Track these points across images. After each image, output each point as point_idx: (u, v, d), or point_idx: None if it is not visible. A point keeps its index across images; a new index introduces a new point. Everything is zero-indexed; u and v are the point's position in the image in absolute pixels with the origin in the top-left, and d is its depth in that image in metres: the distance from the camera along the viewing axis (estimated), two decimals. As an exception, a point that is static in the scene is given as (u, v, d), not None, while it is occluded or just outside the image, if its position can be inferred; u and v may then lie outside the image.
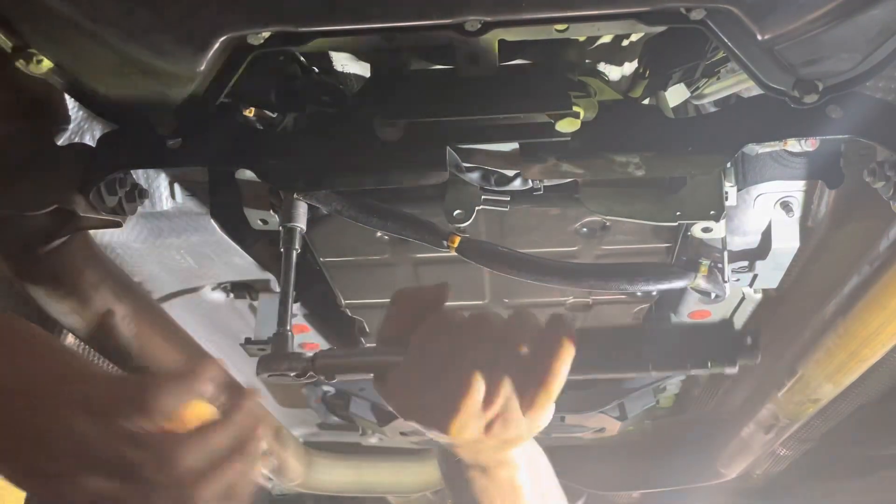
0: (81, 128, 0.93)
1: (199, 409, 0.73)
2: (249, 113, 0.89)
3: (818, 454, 1.78)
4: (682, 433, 2.02)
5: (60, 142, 0.90)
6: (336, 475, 2.34)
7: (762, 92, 0.78)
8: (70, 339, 1.36)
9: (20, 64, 0.75)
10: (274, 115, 0.90)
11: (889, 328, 1.11)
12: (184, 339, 1.44)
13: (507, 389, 0.77)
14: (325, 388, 1.91)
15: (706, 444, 1.93)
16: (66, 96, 0.88)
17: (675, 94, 0.96)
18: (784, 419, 1.56)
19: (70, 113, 0.90)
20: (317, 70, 0.96)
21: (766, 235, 1.14)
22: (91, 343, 1.32)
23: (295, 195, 1.03)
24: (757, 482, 2.01)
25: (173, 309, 1.48)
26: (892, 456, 1.72)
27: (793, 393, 1.45)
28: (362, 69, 0.95)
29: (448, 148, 0.90)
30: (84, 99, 0.81)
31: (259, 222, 1.09)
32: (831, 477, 1.89)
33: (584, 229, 1.15)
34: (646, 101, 0.97)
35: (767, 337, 1.52)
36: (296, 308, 1.51)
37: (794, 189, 1.10)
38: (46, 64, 0.76)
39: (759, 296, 1.42)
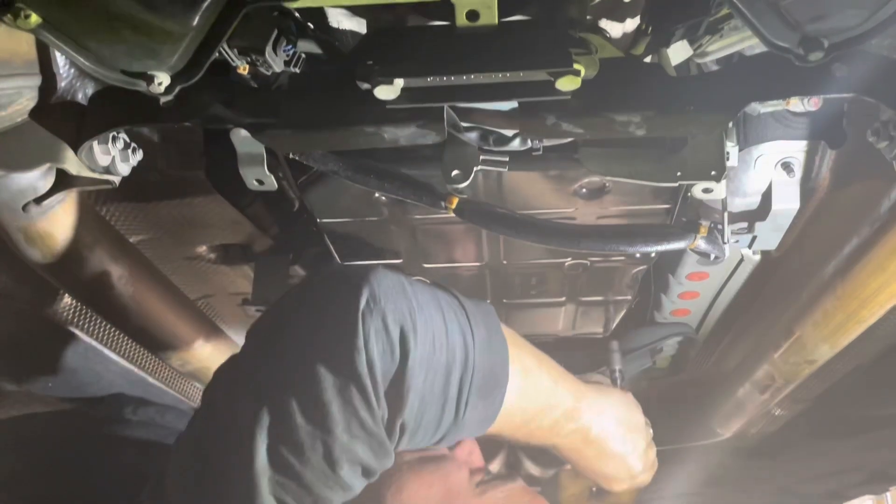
0: (73, 86, 0.91)
1: None
2: (243, 70, 0.87)
3: (813, 414, 1.79)
4: (678, 394, 2.03)
5: (51, 100, 0.88)
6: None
7: (765, 50, 0.76)
8: (67, 301, 1.36)
9: (7, 19, 0.73)
10: (269, 73, 0.89)
11: (888, 289, 1.11)
12: (181, 299, 1.45)
13: None
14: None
15: (702, 404, 1.94)
16: (57, 53, 0.86)
17: (678, 52, 0.94)
18: (780, 380, 1.56)
19: (61, 70, 0.88)
20: (312, 26, 0.94)
21: (767, 197, 1.13)
22: (89, 304, 1.33)
23: (291, 155, 1.02)
24: (752, 441, 2.03)
25: (170, 270, 1.48)
26: (887, 416, 1.74)
27: (789, 354, 1.45)
28: (358, 25, 0.93)
29: (446, 107, 0.89)
30: (74, 56, 0.79)
31: (255, 182, 1.07)
32: (825, 436, 1.90)
33: (584, 190, 1.14)
34: (647, 59, 0.95)
35: (765, 298, 1.54)
36: (293, 270, 1.51)
37: (796, 150, 1.09)
38: (34, 19, 0.74)
39: (757, 257, 1.42)
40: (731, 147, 1.00)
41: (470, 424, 0.87)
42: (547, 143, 1.01)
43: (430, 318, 0.82)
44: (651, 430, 1.25)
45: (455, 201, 1.04)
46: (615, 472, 1.17)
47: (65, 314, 1.38)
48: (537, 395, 0.98)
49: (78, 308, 1.40)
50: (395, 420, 0.80)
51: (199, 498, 0.78)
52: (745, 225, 1.19)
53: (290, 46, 0.87)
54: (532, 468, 1.76)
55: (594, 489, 1.40)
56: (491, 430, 0.93)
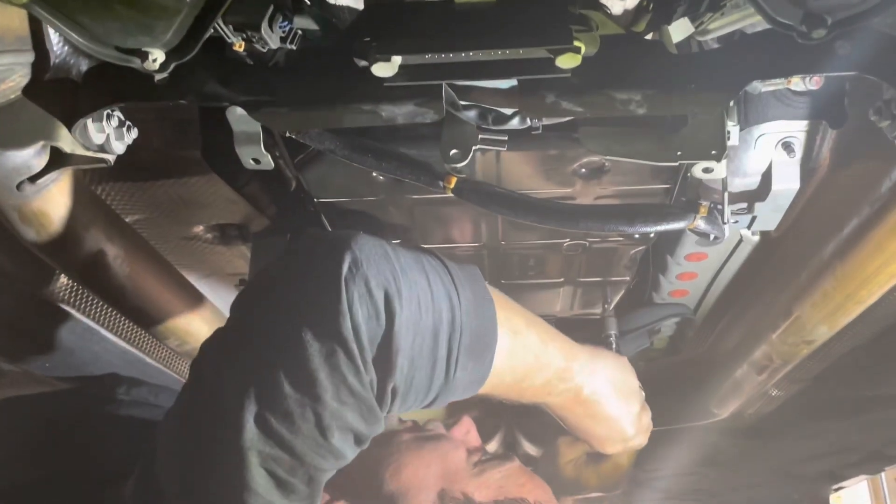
0: (67, 62, 0.90)
1: None
2: (239, 47, 0.86)
3: (810, 395, 1.80)
4: (676, 374, 2.04)
5: (45, 77, 0.87)
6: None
7: (767, 28, 0.75)
8: (64, 281, 1.36)
9: (-2, -6, 0.72)
10: (265, 50, 0.87)
11: (887, 270, 1.11)
12: (178, 279, 1.44)
13: None
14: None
15: (699, 385, 1.95)
16: (50, 29, 0.85)
17: (679, 29, 0.92)
18: (778, 360, 1.56)
19: (54, 47, 0.87)
20: (308, 2, 0.92)
21: (767, 177, 1.13)
22: (85, 284, 1.32)
23: (288, 133, 1.01)
24: (748, 422, 2.04)
25: (166, 250, 1.47)
26: (883, 397, 1.74)
27: (787, 334, 1.45)
28: (355, 1, 0.92)
29: (444, 84, 0.88)
30: (67, 32, 0.77)
31: (251, 162, 1.06)
32: (822, 417, 1.91)
33: (583, 170, 1.13)
34: (648, 37, 0.94)
35: (764, 279, 1.53)
36: (290, 249, 1.50)
37: (797, 129, 1.08)
38: (26, -6, 0.73)
39: (756, 238, 1.41)
40: (732, 126, 1.00)
41: (461, 385, 0.87)
42: (546, 122, 1.00)
43: (415, 281, 0.82)
44: (643, 394, 1.26)
45: (453, 181, 1.03)
46: (607, 433, 1.18)
47: (62, 294, 1.38)
48: (527, 355, 0.99)
49: (75, 288, 1.40)
50: (386, 384, 0.79)
51: (188, 471, 0.78)
52: (744, 205, 1.18)
53: (286, 23, 0.86)
54: (529, 448, 1.76)
55: (590, 454, 1.41)
56: (482, 391, 0.93)
